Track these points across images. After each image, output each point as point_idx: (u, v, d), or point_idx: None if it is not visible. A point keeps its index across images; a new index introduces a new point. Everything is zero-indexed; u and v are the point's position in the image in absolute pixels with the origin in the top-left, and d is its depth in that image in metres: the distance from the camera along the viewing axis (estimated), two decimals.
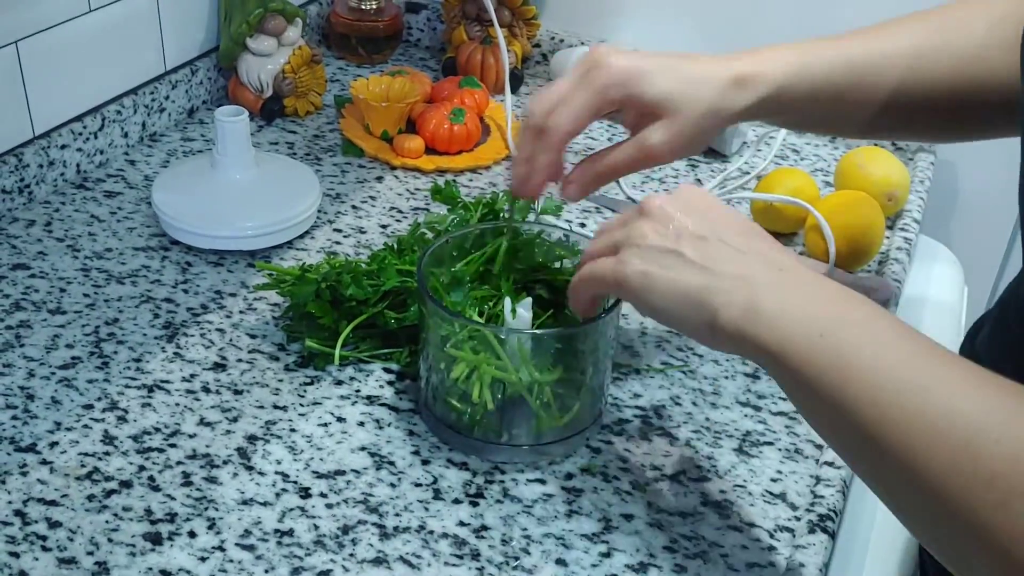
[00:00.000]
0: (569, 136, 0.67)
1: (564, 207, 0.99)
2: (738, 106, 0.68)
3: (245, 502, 0.67)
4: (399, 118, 1.08)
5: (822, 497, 0.69)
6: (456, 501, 0.68)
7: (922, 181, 1.08)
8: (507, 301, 0.72)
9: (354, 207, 0.98)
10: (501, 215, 0.85)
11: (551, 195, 1.02)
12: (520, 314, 0.72)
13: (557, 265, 0.78)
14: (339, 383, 0.77)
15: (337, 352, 0.77)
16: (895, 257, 0.95)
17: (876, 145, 1.14)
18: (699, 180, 1.08)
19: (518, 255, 0.77)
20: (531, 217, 0.86)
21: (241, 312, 0.83)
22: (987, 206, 1.20)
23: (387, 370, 0.79)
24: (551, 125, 0.67)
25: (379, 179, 1.04)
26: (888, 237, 0.99)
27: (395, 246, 0.83)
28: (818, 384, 0.51)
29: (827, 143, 1.16)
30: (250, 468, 0.69)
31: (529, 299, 0.73)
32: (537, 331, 0.72)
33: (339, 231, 0.95)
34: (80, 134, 0.99)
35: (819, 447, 0.75)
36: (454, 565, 0.64)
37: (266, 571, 0.62)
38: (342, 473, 0.69)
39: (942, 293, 1.03)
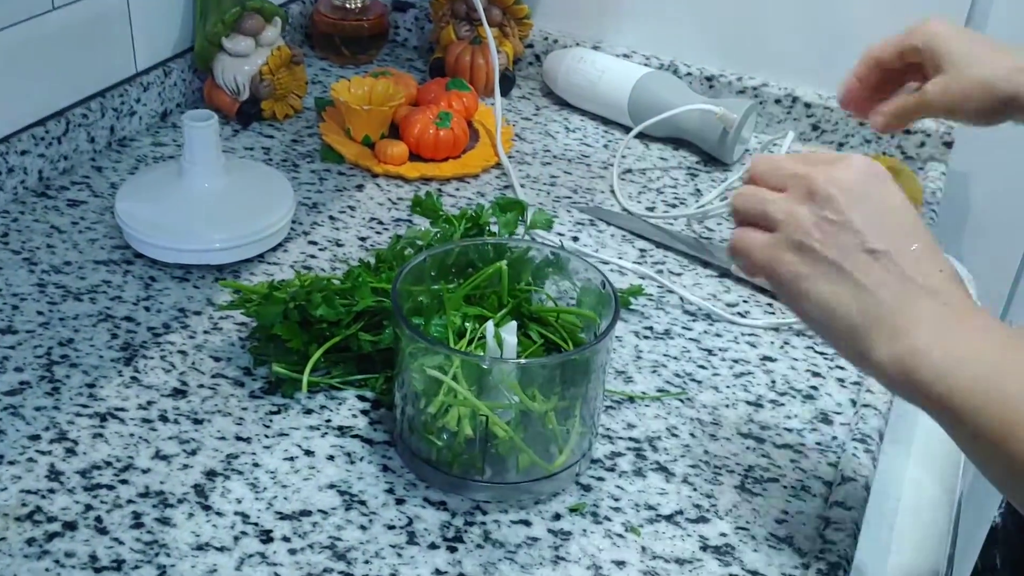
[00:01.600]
0: (873, 58, 0.76)
1: (555, 221, 0.94)
2: (1009, 90, 0.70)
3: (200, 547, 0.61)
4: (382, 122, 1.02)
5: (832, 543, 0.63)
6: (432, 546, 0.62)
7: (933, 192, 1.03)
8: (489, 326, 0.67)
9: (331, 218, 0.93)
10: (487, 231, 0.79)
11: (541, 208, 0.96)
12: (505, 340, 0.66)
13: (548, 284, 0.73)
14: (308, 412, 0.71)
15: (305, 378, 0.71)
16: None
17: (885, 155, 1.09)
18: (699, 190, 1.03)
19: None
20: (520, 231, 0.81)
21: (205, 332, 0.78)
22: (1000, 219, 1.15)
23: (361, 398, 0.73)
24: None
25: (359, 187, 0.98)
26: None
27: (371, 262, 0.78)
28: (987, 431, 0.48)
29: (833, 152, 1.11)
30: (207, 508, 0.63)
31: (514, 323, 0.67)
32: (522, 360, 0.66)
33: (314, 244, 0.89)
34: (42, 139, 0.93)
35: (827, 484, 0.69)
36: None
37: None
38: (308, 514, 0.64)
39: None
